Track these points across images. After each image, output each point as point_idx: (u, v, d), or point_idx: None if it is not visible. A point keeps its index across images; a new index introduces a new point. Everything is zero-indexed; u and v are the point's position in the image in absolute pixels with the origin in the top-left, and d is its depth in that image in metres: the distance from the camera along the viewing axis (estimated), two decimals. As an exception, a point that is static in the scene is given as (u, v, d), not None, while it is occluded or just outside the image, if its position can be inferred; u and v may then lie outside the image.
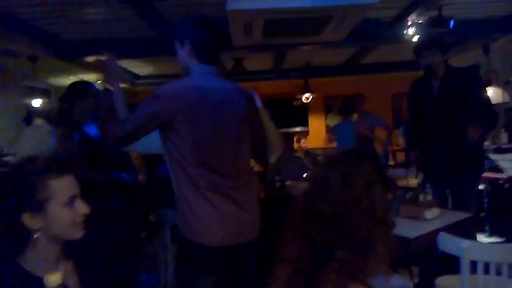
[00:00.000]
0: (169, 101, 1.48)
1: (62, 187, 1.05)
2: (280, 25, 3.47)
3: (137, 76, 6.91)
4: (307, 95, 7.03)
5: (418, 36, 3.97)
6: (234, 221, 1.53)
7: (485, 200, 2.77)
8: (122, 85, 6.73)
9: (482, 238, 2.20)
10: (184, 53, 1.60)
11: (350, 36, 4.51)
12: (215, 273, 1.50)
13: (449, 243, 1.71)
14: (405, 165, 2.95)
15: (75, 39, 4.59)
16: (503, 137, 4.49)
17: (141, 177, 3.94)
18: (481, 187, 2.83)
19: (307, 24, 3.46)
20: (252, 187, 1.64)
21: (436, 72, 2.51)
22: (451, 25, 3.88)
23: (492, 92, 4.90)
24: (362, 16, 3.49)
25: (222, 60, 5.58)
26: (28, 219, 1.02)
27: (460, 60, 5.31)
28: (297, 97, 7.28)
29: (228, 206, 1.52)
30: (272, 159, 1.92)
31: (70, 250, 1.14)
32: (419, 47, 2.61)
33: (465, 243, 1.62)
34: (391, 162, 5.64)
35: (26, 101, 5.54)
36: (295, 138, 5.94)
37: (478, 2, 4.13)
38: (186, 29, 1.61)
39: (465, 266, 1.61)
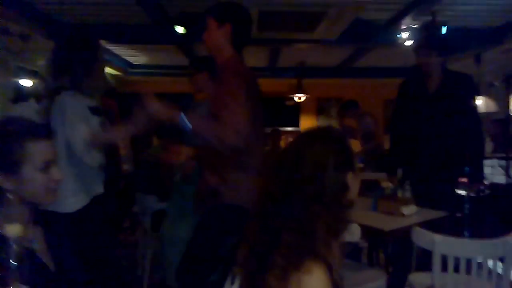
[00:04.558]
0: None
1: (38, 150, 1.05)
2: (275, 18, 3.49)
3: (130, 65, 6.86)
4: (300, 95, 7.04)
5: (412, 40, 4.00)
6: None
7: (466, 206, 2.75)
8: (115, 72, 6.49)
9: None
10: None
11: (344, 36, 4.54)
12: None
13: (422, 237, 1.73)
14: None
15: (69, 20, 4.55)
16: (488, 146, 4.52)
17: (126, 167, 3.87)
18: (462, 192, 2.83)
19: (301, 18, 3.49)
20: None
21: (431, 73, 2.50)
22: (443, 32, 3.92)
23: (481, 102, 4.95)
24: (355, 15, 3.51)
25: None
26: (2, 179, 1.01)
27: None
28: (290, 96, 7.28)
29: None
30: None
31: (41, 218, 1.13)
32: (419, 44, 2.66)
33: (438, 237, 1.65)
34: None
35: (15, 81, 5.46)
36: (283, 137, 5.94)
37: (472, 11, 4.18)
38: None
39: (437, 259, 1.64)
